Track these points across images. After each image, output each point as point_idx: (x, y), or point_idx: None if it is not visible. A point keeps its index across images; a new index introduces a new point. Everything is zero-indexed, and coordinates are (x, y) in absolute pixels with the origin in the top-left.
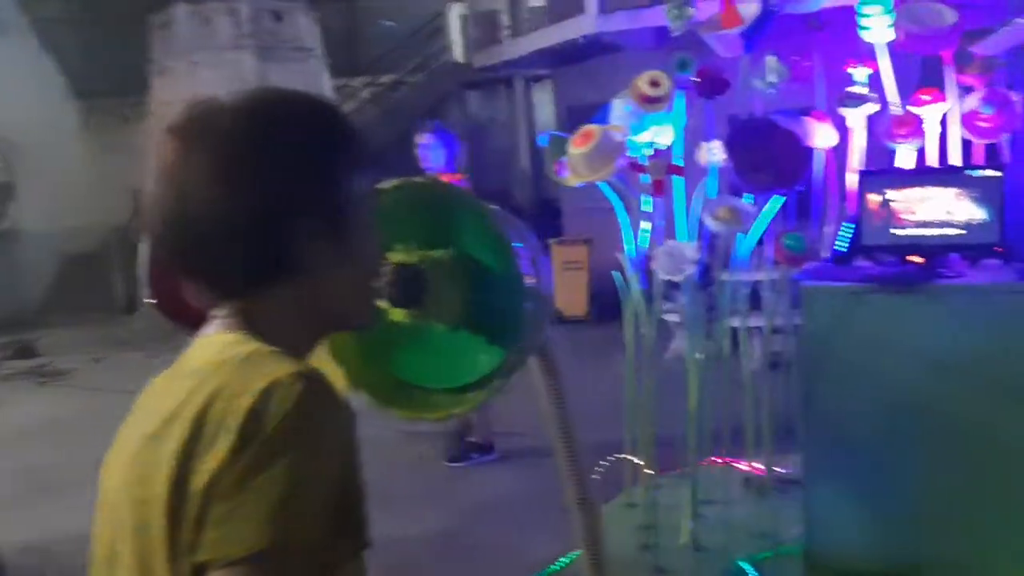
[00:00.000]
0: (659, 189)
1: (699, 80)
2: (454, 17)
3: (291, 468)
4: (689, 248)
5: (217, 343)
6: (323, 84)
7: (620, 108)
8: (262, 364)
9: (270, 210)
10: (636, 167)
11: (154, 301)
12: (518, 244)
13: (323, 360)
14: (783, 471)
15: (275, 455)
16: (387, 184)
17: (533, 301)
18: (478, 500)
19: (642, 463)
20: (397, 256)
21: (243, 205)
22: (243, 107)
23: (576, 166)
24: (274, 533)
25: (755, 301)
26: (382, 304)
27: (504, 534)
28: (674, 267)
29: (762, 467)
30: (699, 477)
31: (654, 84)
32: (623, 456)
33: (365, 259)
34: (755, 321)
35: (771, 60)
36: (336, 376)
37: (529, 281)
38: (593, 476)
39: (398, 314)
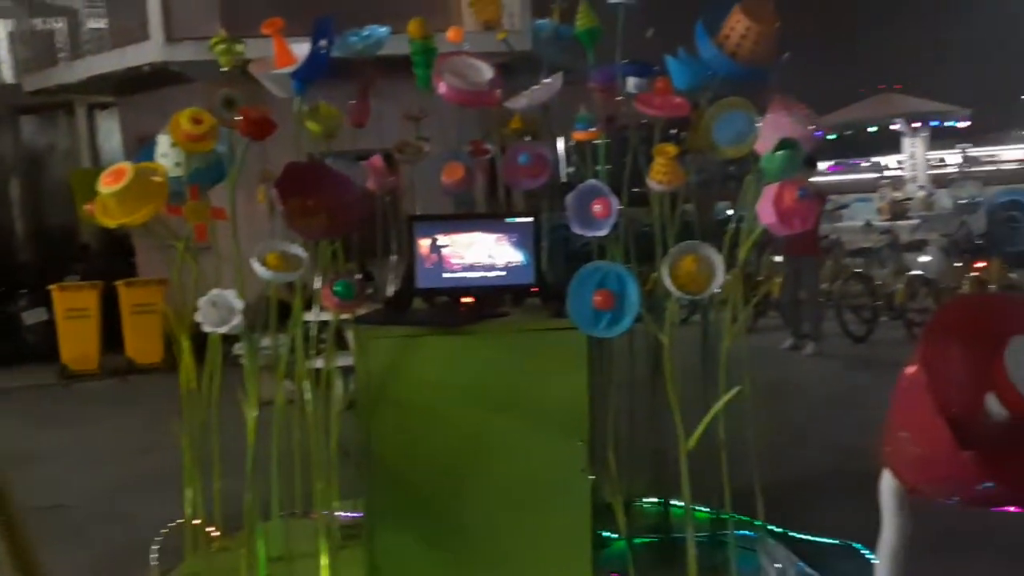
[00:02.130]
0: (201, 234)
1: (242, 119)
2: (1, 34)
3: None
4: (235, 297)
5: None
6: None
7: (166, 144)
8: None
9: None
10: (176, 210)
11: None
12: None
13: None
14: (354, 516)
15: None
16: None
17: None
18: None
19: (206, 526)
20: None
21: None
22: None
23: (108, 207)
24: None
25: (340, 341)
26: None
27: None
28: (219, 318)
29: (335, 514)
30: (269, 533)
31: (196, 121)
32: (181, 521)
33: None
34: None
35: (323, 104)
36: None
37: None
38: (152, 546)
39: None
